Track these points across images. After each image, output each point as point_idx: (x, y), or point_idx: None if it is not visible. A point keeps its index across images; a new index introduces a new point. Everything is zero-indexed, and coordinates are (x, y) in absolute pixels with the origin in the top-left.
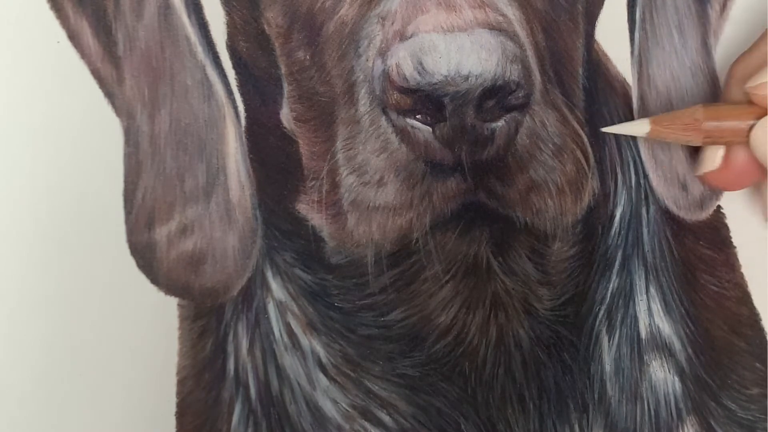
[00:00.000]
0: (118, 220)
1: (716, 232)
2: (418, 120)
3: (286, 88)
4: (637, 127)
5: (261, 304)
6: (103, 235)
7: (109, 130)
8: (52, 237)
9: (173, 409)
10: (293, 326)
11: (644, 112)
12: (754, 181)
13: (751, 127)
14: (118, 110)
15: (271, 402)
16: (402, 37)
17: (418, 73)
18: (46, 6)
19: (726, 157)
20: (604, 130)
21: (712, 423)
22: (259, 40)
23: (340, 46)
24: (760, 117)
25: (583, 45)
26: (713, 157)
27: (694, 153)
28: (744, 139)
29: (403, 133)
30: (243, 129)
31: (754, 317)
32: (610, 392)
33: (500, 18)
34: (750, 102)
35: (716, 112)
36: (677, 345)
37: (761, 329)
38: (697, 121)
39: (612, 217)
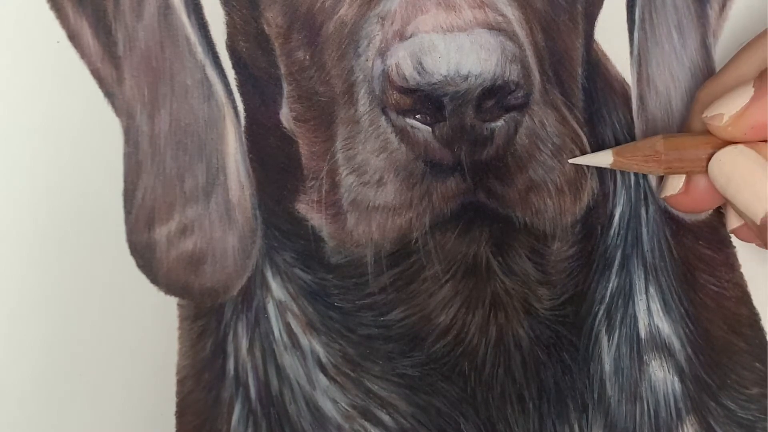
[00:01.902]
0: (118, 220)
1: (716, 231)
2: (417, 120)
3: (286, 88)
4: (601, 158)
5: (261, 303)
6: (103, 235)
7: (109, 130)
8: (52, 237)
9: (173, 409)
10: (293, 326)
11: (644, 112)
12: (717, 205)
13: (710, 157)
14: (118, 110)
15: (270, 402)
16: (401, 37)
17: (418, 73)
18: (46, 6)
19: (687, 183)
20: (571, 161)
21: (712, 423)
22: (258, 40)
23: (339, 46)
24: (718, 147)
25: (582, 45)
26: (675, 183)
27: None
28: (703, 168)
29: (403, 133)
30: (243, 129)
31: (754, 317)
32: (610, 392)
33: (500, 18)
34: (709, 131)
35: (676, 142)
36: (677, 345)
37: (761, 329)
38: (657, 152)
39: (611, 216)
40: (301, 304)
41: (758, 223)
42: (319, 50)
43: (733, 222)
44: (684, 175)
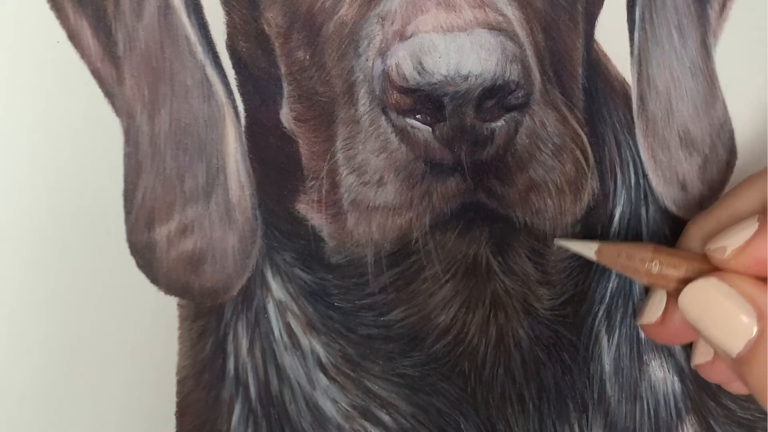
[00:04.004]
0: (118, 220)
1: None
2: (417, 120)
3: (286, 88)
4: (586, 249)
5: (261, 303)
6: (103, 235)
7: (109, 130)
8: (52, 237)
9: (173, 409)
10: (293, 326)
11: (644, 112)
12: (693, 339)
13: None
14: (118, 110)
15: (271, 402)
16: (402, 37)
17: (418, 72)
18: (46, 6)
19: (665, 314)
20: (557, 242)
21: (712, 422)
22: (258, 40)
23: (339, 46)
24: (707, 273)
25: (582, 45)
26: (653, 311)
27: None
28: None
29: (403, 133)
30: (243, 129)
31: None
32: (610, 392)
33: (500, 18)
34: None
35: (667, 258)
36: (677, 345)
37: None
38: (643, 260)
39: (611, 216)
40: (301, 304)
41: (733, 357)
42: (319, 50)
43: (699, 357)
44: (663, 304)
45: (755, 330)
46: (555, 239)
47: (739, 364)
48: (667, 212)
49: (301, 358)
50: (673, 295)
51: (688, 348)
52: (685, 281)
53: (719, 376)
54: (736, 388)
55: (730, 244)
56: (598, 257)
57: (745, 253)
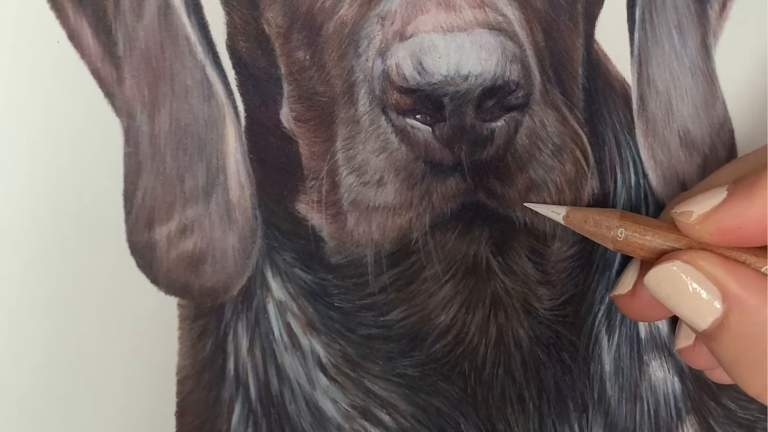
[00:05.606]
0: (118, 220)
1: None
2: (417, 120)
3: (286, 88)
4: (554, 213)
5: (261, 303)
6: (103, 235)
7: (109, 130)
8: (52, 237)
9: (173, 409)
10: (293, 326)
11: (644, 112)
12: (666, 317)
13: (662, 251)
14: (118, 110)
15: (270, 402)
16: (402, 37)
17: (418, 73)
18: (46, 6)
19: (636, 286)
20: (527, 205)
21: (712, 423)
22: (259, 40)
23: (339, 46)
24: (672, 240)
25: (582, 45)
26: (625, 282)
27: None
28: (652, 259)
29: (403, 133)
30: (243, 129)
31: None
32: (610, 392)
33: (500, 18)
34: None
35: (633, 224)
36: None
37: None
38: (609, 227)
39: None
40: (301, 304)
41: (699, 332)
42: (319, 50)
43: (681, 342)
44: (635, 277)
45: (721, 310)
46: (524, 203)
47: (708, 339)
48: None
49: (301, 358)
50: (643, 264)
51: None
52: (653, 250)
53: (702, 361)
54: (718, 375)
55: (697, 210)
56: (566, 222)
57: (710, 220)
